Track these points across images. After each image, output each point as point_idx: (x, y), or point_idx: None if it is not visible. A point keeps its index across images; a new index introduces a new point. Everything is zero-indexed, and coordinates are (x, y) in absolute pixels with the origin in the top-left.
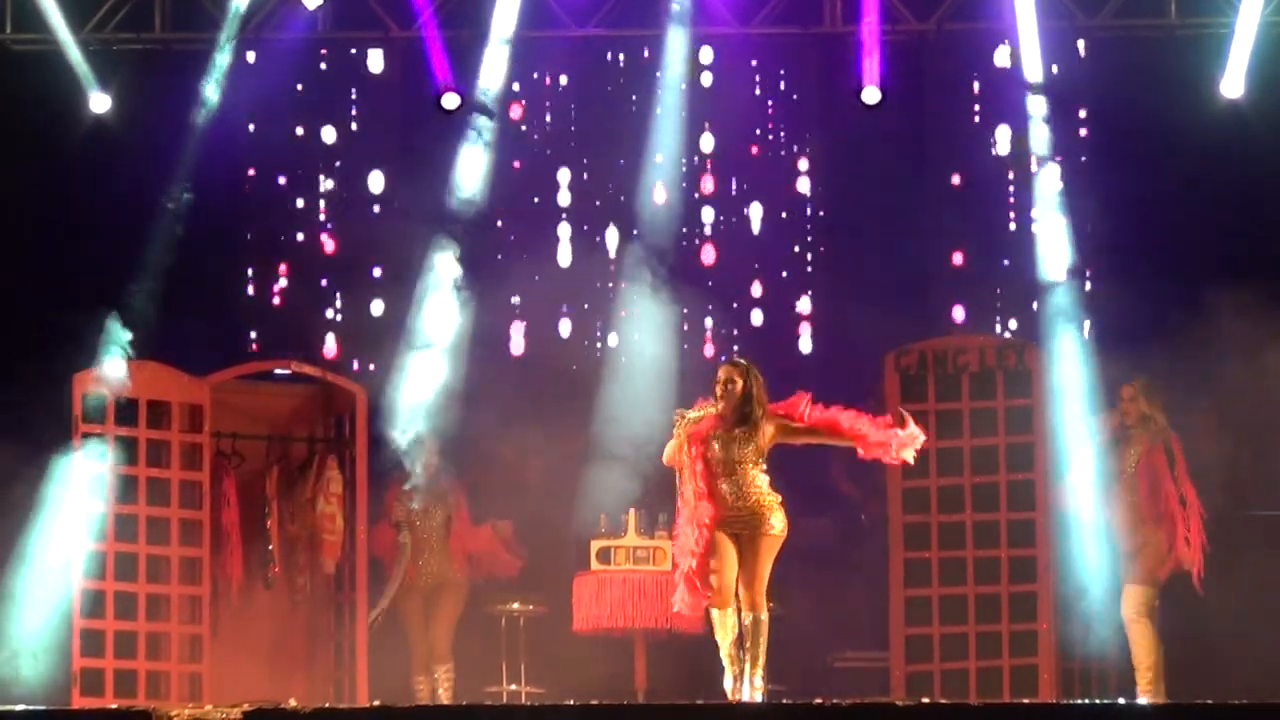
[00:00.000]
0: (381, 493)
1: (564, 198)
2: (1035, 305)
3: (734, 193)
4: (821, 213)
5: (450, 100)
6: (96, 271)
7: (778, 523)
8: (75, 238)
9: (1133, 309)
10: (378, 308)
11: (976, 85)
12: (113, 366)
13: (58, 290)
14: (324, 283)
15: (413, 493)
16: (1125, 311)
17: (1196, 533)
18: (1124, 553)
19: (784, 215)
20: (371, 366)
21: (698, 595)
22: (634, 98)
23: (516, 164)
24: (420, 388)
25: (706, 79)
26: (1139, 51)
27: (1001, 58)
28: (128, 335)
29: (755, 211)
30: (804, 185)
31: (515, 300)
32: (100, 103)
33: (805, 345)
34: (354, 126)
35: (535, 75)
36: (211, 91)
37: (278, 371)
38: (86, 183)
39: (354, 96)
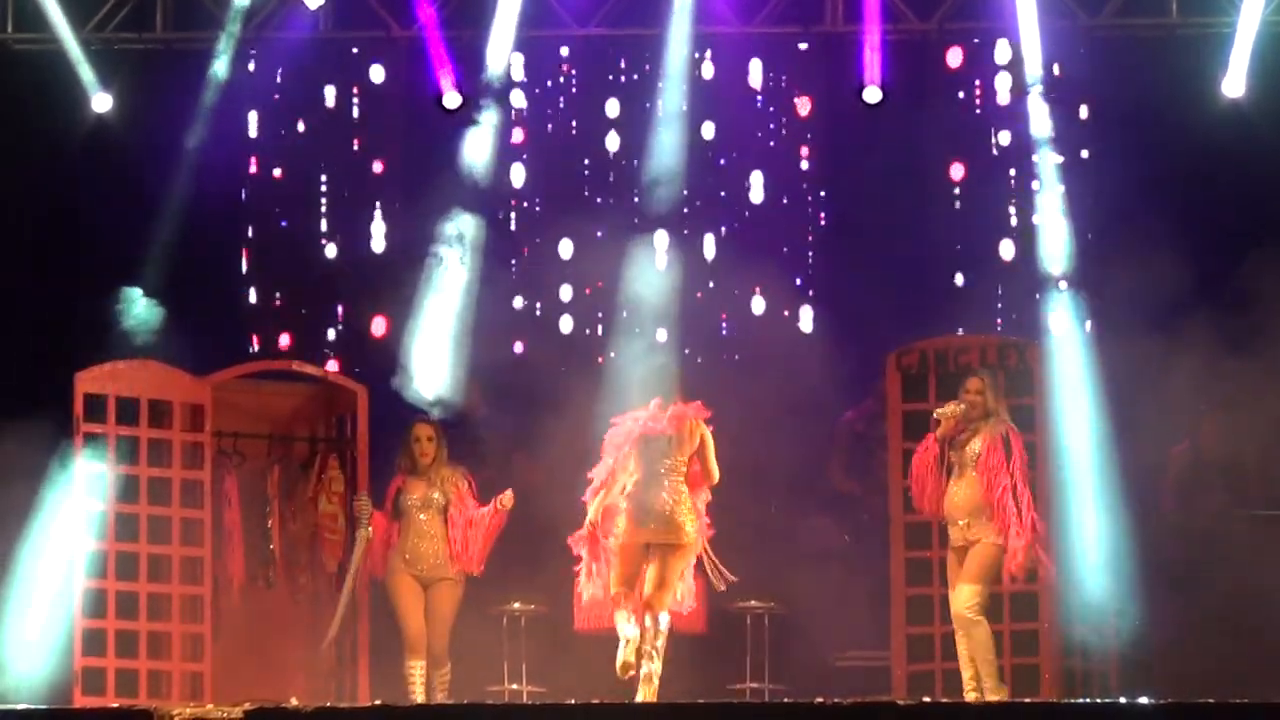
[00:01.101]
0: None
1: (565, 196)
2: (1037, 303)
3: (735, 192)
4: (823, 212)
5: (452, 100)
6: (97, 271)
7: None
8: (76, 237)
9: (1136, 307)
10: (381, 306)
11: (978, 84)
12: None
13: (59, 289)
14: (328, 280)
15: (406, 482)
16: (1128, 310)
17: (1028, 530)
18: (953, 547)
19: (785, 215)
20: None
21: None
22: (635, 96)
23: (518, 162)
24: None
25: (708, 77)
26: (1140, 51)
27: (1003, 57)
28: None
29: (757, 211)
30: (806, 185)
31: (517, 297)
32: (102, 103)
33: (807, 345)
34: (356, 125)
35: (536, 74)
36: (213, 91)
37: (295, 368)
38: (88, 182)
39: (356, 96)
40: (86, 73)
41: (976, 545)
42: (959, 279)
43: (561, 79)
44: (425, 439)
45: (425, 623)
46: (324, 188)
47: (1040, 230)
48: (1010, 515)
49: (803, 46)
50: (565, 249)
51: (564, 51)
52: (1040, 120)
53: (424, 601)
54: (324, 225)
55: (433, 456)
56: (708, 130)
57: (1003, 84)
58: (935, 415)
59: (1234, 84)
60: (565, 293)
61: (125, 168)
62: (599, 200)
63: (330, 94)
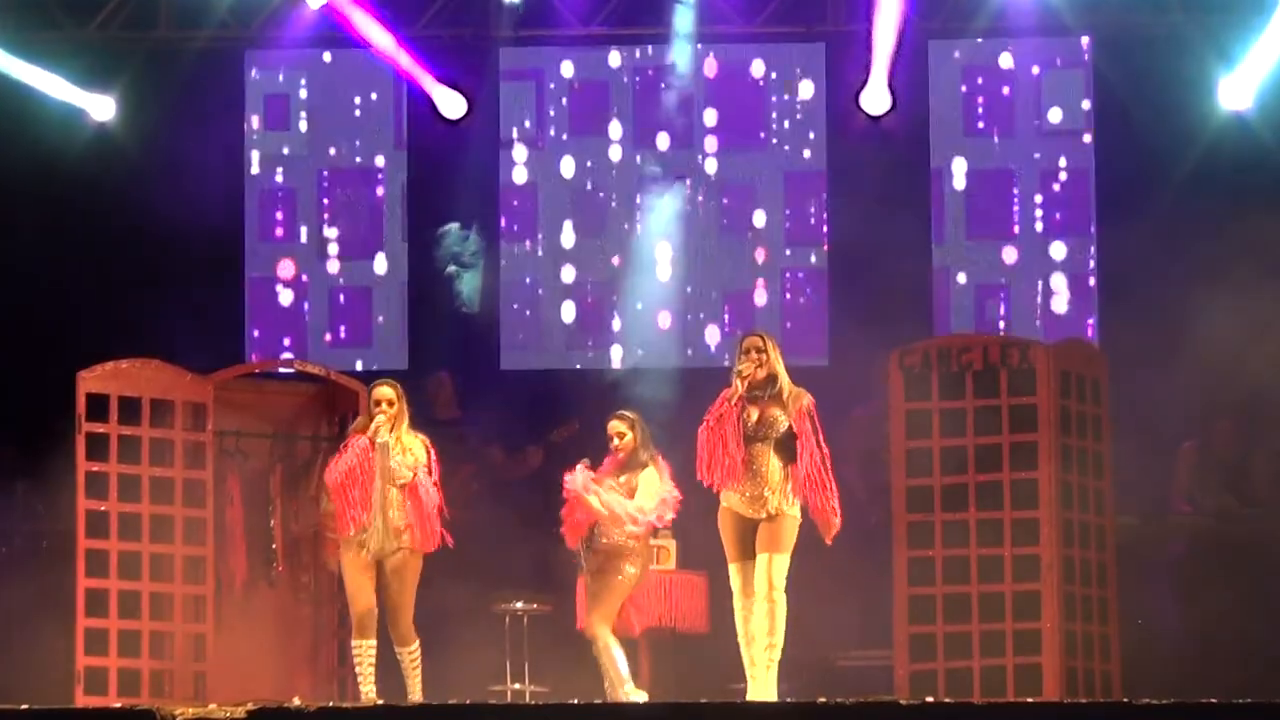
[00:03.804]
0: None
1: (566, 196)
2: (1039, 304)
3: (737, 193)
4: (826, 211)
5: (454, 109)
6: (99, 269)
7: (630, 569)
8: (78, 236)
9: (1143, 310)
10: (382, 304)
11: (981, 83)
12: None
13: (61, 288)
14: (329, 279)
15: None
16: (1135, 313)
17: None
18: (744, 517)
19: (789, 213)
20: (375, 365)
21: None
22: (636, 96)
23: (518, 163)
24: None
25: (711, 76)
26: (1145, 50)
27: (1005, 55)
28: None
29: (759, 209)
30: (808, 184)
31: (512, 301)
32: (103, 107)
33: (809, 345)
34: (357, 123)
35: (537, 74)
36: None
37: (281, 370)
38: (89, 180)
39: (357, 95)
40: (88, 74)
41: (781, 519)
42: (962, 277)
43: (561, 78)
44: (386, 403)
45: (378, 600)
46: (325, 184)
47: (1044, 230)
48: (827, 490)
49: (805, 83)
50: (566, 248)
51: (563, 51)
52: (1043, 120)
53: (374, 578)
54: (326, 225)
55: (397, 420)
56: (709, 129)
57: (1005, 84)
58: (736, 370)
59: (1238, 95)
60: (565, 297)
61: (126, 166)
62: (599, 200)
63: (333, 93)
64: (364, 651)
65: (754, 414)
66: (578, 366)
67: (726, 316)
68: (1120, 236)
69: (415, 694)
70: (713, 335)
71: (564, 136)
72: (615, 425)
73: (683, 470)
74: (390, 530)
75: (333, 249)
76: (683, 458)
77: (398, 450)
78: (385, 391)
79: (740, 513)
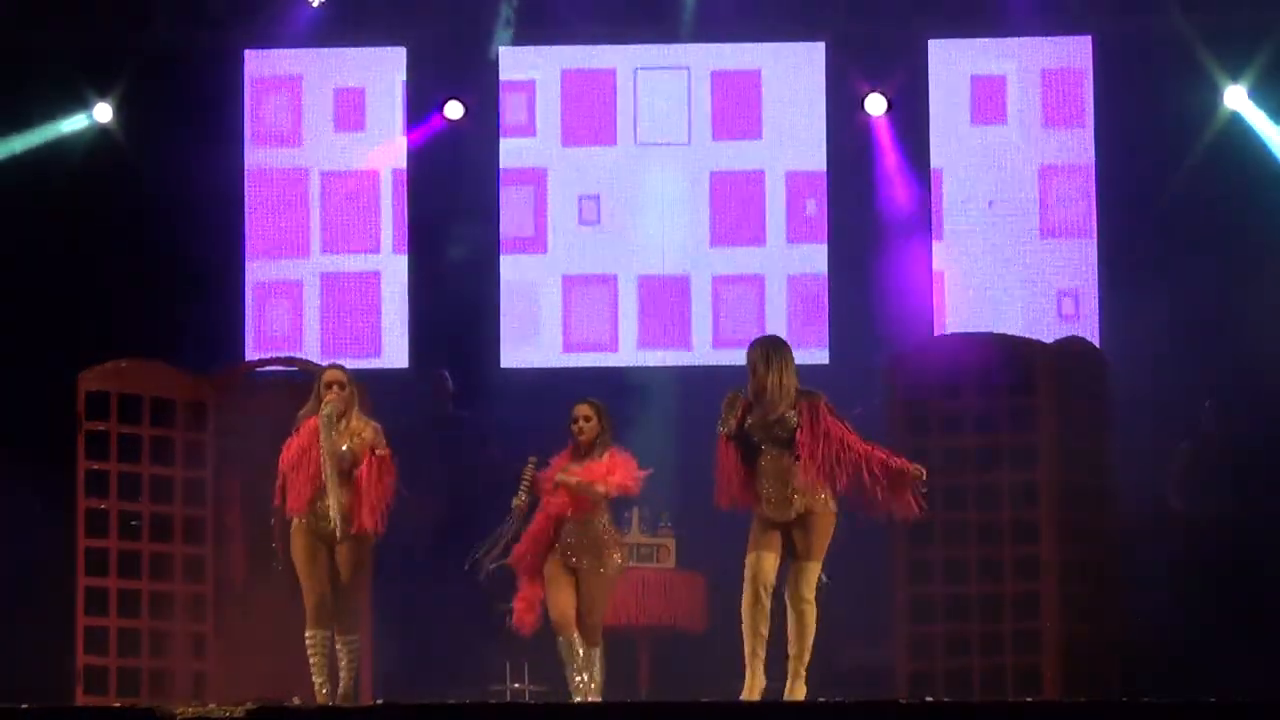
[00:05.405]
0: None
1: (566, 194)
2: (1039, 304)
3: (737, 191)
4: (826, 212)
5: (453, 109)
6: (99, 270)
7: (616, 558)
8: (77, 236)
9: (1143, 309)
10: (382, 304)
11: (981, 83)
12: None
13: (62, 289)
14: (329, 278)
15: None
16: (1135, 312)
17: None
18: (776, 523)
19: (790, 215)
20: (376, 365)
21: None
22: (636, 95)
23: (518, 161)
24: None
25: (710, 77)
26: (1145, 50)
27: (1006, 55)
28: None
29: (760, 208)
30: (809, 186)
31: (513, 300)
32: (103, 113)
33: (810, 344)
34: (357, 122)
35: (535, 76)
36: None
37: (281, 369)
38: (89, 182)
39: (356, 94)
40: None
41: (812, 519)
42: (962, 278)
43: (560, 80)
44: (337, 385)
45: (331, 587)
46: (325, 184)
47: (1044, 232)
48: (846, 468)
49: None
50: (566, 247)
51: (565, 52)
52: (1043, 123)
53: (325, 564)
54: (326, 224)
55: (347, 402)
56: (709, 126)
57: (1005, 85)
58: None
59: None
60: (566, 296)
61: (125, 167)
62: (599, 199)
63: (331, 92)
64: (316, 643)
65: (769, 418)
66: (578, 366)
67: (727, 316)
68: (1121, 236)
69: (346, 689)
70: (713, 335)
71: (564, 135)
72: (582, 409)
73: (682, 468)
74: (340, 512)
75: (332, 248)
76: (682, 457)
77: (346, 434)
78: (334, 374)
79: (770, 516)
